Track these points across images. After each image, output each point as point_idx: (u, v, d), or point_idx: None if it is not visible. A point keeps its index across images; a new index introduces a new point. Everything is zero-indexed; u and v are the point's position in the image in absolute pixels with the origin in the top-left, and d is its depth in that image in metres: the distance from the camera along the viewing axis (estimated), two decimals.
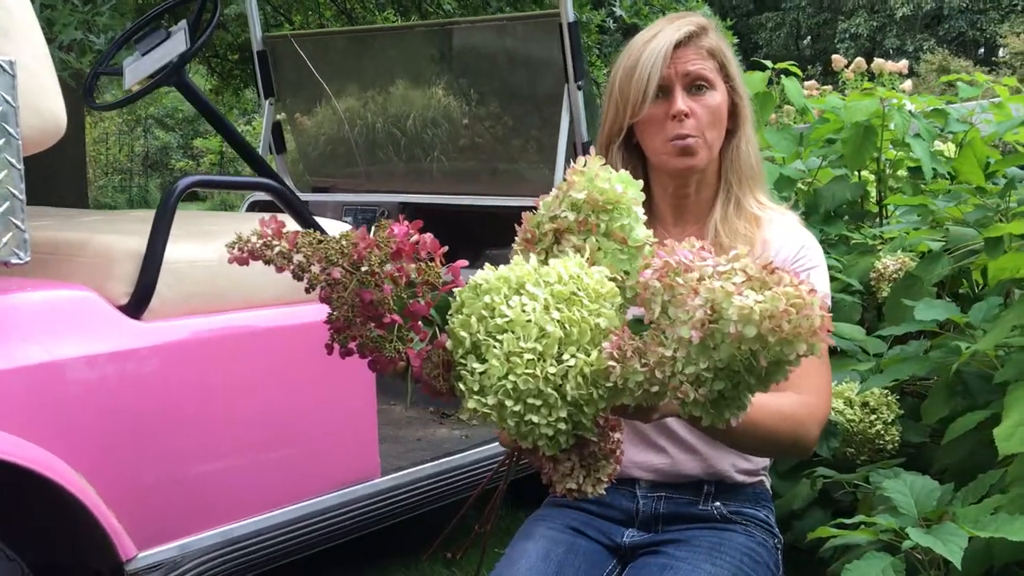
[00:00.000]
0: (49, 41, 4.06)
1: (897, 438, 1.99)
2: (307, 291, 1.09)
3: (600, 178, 1.22)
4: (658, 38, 1.55)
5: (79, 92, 2.77)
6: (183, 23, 2.60)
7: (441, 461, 2.44)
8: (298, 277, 1.07)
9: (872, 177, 2.91)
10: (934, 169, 2.57)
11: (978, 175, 2.02)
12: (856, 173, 2.81)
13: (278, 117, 3.72)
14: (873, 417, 2.01)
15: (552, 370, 1.07)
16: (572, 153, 2.91)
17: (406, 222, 1.14)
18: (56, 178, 6.70)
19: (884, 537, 1.47)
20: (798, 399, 1.44)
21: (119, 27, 4.22)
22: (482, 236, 3.15)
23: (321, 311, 1.10)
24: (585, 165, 1.24)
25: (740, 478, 1.65)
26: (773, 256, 1.57)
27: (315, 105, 3.76)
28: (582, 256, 1.19)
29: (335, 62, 3.69)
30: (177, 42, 2.63)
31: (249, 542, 1.98)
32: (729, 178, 1.63)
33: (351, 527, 2.21)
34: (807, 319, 0.84)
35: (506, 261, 1.26)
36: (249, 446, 2.02)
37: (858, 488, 1.94)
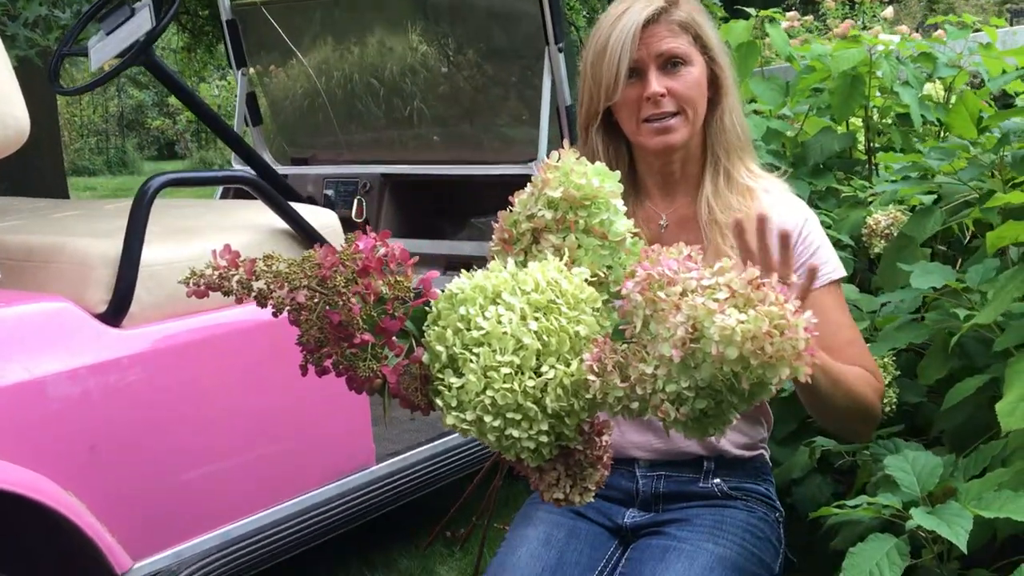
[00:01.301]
0: (13, 18, 3.95)
1: (895, 400, 1.96)
2: (274, 315, 1.05)
3: (576, 173, 1.17)
4: (625, 17, 1.48)
5: (47, 70, 2.69)
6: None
7: (437, 443, 2.40)
8: (262, 304, 1.02)
9: (860, 124, 2.84)
10: (923, 116, 2.51)
11: (970, 130, 1.97)
12: (844, 123, 2.74)
13: (252, 88, 3.61)
14: None
15: (531, 383, 1.03)
16: (556, 117, 2.84)
17: (373, 234, 1.09)
18: (31, 152, 6.63)
19: (886, 514, 1.45)
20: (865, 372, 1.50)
21: (86, 1, 4.10)
22: (467, 205, 3.08)
23: None
24: (559, 160, 1.19)
25: (739, 452, 1.63)
26: None
27: (290, 74, 3.65)
28: (561, 257, 1.14)
29: (309, 28, 3.57)
30: (142, 19, 2.55)
31: (245, 542, 1.95)
32: (716, 151, 1.58)
33: (349, 518, 2.18)
34: (791, 342, 0.79)
35: (491, 230, 1.21)
36: (239, 446, 1.99)
37: (857, 454, 1.92)
